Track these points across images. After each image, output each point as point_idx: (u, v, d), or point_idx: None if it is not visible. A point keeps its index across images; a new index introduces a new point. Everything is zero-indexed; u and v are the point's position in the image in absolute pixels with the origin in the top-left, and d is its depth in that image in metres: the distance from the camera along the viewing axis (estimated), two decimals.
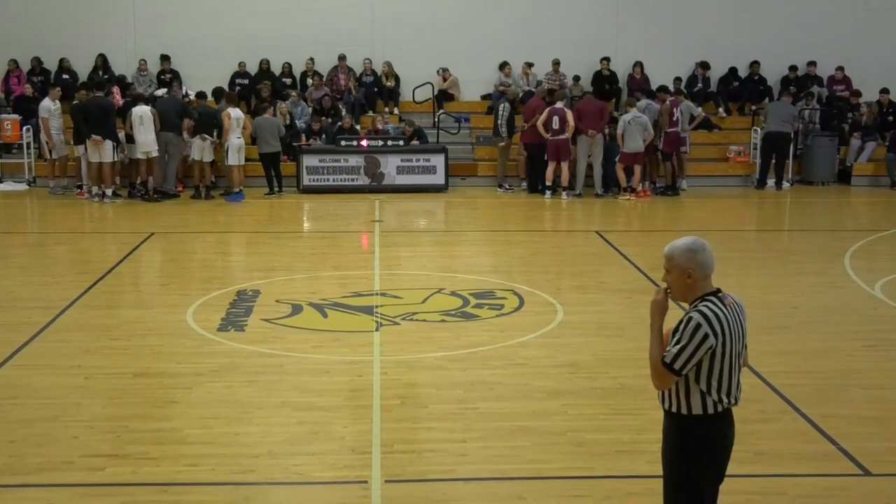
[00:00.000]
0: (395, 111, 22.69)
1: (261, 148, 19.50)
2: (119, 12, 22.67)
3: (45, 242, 16.00)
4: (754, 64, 23.17)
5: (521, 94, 22.10)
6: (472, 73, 23.12)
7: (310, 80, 22.60)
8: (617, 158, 19.48)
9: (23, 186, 20.27)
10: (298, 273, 12.97)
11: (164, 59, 22.40)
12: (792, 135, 21.09)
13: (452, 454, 7.00)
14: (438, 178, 20.41)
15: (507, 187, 20.57)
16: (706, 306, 4.58)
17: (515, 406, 7.94)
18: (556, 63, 22.55)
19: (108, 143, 18.31)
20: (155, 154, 18.70)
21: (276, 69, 22.73)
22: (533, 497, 6.36)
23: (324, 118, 21.29)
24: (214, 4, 22.86)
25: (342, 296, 11.52)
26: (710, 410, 4.63)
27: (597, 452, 7.07)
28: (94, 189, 18.75)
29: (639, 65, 22.86)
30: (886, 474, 6.79)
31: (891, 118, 22.25)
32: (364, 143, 20.32)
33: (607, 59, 22.86)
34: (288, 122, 20.71)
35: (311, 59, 22.71)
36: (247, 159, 19.59)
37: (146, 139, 18.50)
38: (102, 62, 22.30)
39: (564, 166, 19.44)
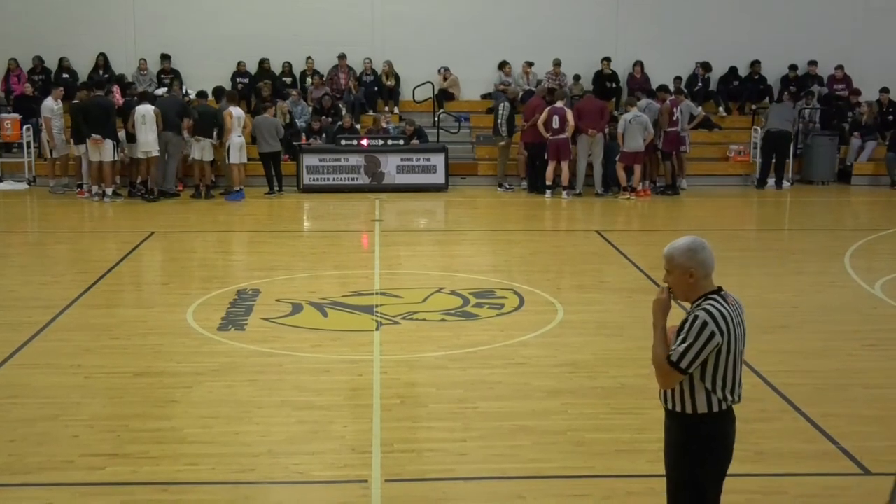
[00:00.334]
0: (396, 110, 22.69)
1: (260, 147, 19.51)
2: (119, 12, 22.66)
3: (46, 242, 16.01)
4: (755, 63, 23.17)
5: (521, 94, 22.10)
6: (473, 73, 23.12)
7: (309, 80, 22.60)
8: (617, 158, 19.48)
9: (23, 186, 20.26)
10: (298, 272, 12.98)
11: (165, 58, 22.39)
12: (792, 134, 21.10)
13: (452, 453, 7.01)
14: (438, 178, 20.42)
15: (508, 186, 20.57)
16: (711, 305, 4.59)
17: (515, 405, 7.95)
18: (557, 63, 22.55)
19: (109, 143, 18.32)
20: (155, 154, 18.70)
21: (276, 68, 22.73)
22: (533, 496, 6.36)
23: (324, 117, 21.29)
24: (214, 4, 22.85)
25: (342, 295, 11.53)
26: (715, 409, 4.63)
27: (597, 452, 7.07)
28: (95, 188, 18.76)
29: (639, 64, 22.86)
30: (886, 473, 6.68)
31: (891, 117, 22.26)
32: (364, 142, 20.33)
33: (608, 59, 22.85)
34: (288, 121, 20.72)
35: (311, 59, 22.71)
36: (250, 158, 19.63)
37: (146, 138, 18.50)
38: (103, 61, 22.29)
39: (564, 165, 19.44)
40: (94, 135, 18.19)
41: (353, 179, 20.22)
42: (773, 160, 21.00)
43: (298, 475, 6.69)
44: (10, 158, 20.82)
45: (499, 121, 20.39)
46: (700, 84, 23.12)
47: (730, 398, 4.67)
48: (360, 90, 22.57)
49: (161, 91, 20.87)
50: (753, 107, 22.98)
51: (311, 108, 21.63)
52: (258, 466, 6.78)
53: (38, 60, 22.40)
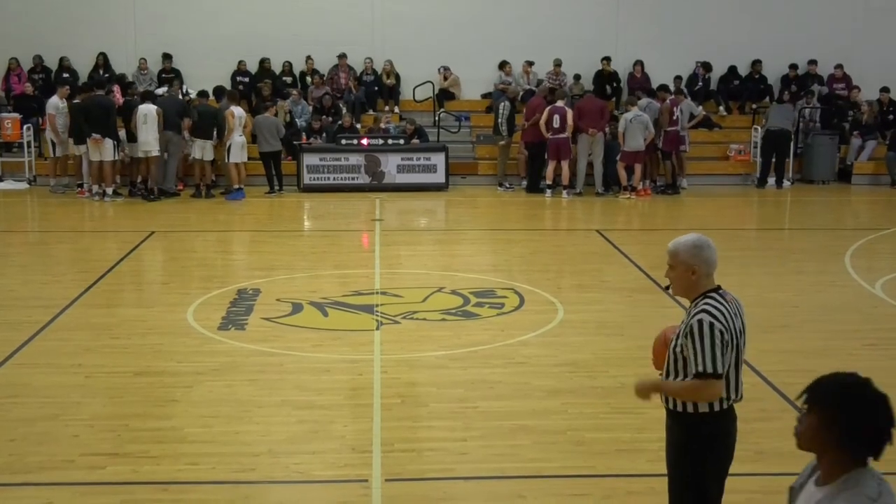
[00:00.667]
0: (396, 110, 22.70)
1: (261, 147, 19.53)
2: (119, 11, 22.67)
3: (46, 241, 16.03)
4: (755, 63, 23.18)
5: (521, 93, 22.11)
6: (473, 72, 23.13)
7: (309, 79, 22.61)
8: (618, 157, 19.49)
9: (23, 185, 20.27)
10: (299, 272, 12.98)
11: (166, 57, 22.41)
12: (792, 134, 21.11)
13: (453, 453, 7.02)
14: (439, 177, 20.42)
15: (508, 186, 20.57)
16: (709, 304, 4.57)
17: (516, 405, 7.95)
18: (558, 63, 22.55)
19: (109, 142, 18.33)
20: (155, 153, 18.71)
21: (277, 68, 22.74)
22: (533, 496, 6.37)
23: (324, 117, 21.30)
24: (215, 3, 22.87)
25: (343, 294, 11.53)
26: (716, 408, 4.63)
27: (597, 451, 7.08)
28: (95, 188, 18.77)
29: (639, 64, 22.87)
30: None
31: (891, 117, 22.27)
32: (364, 141, 20.34)
33: (608, 59, 22.85)
34: (288, 120, 20.72)
35: (311, 58, 22.72)
36: (251, 157, 19.66)
37: (146, 138, 18.52)
38: (103, 61, 22.31)
39: (565, 165, 19.45)
40: (94, 134, 18.21)
41: (353, 179, 20.22)
42: (774, 159, 21.01)
43: (299, 475, 6.69)
44: (10, 158, 20.82)
45: (499, 120, 20.40)
46: (700, 83, 23.13)
47: (733, 396, 4.66)
48: (360, 90, 22.59)
49: (161, 90, 20.87)
50: (754, 106, 22.99)
51: (311, 108, 21.63)
52: (258, 466, 6.79)
53: (39, 60, 22.41)
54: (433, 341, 9.74)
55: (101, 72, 21.96)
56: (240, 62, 22.55)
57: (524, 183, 20.57)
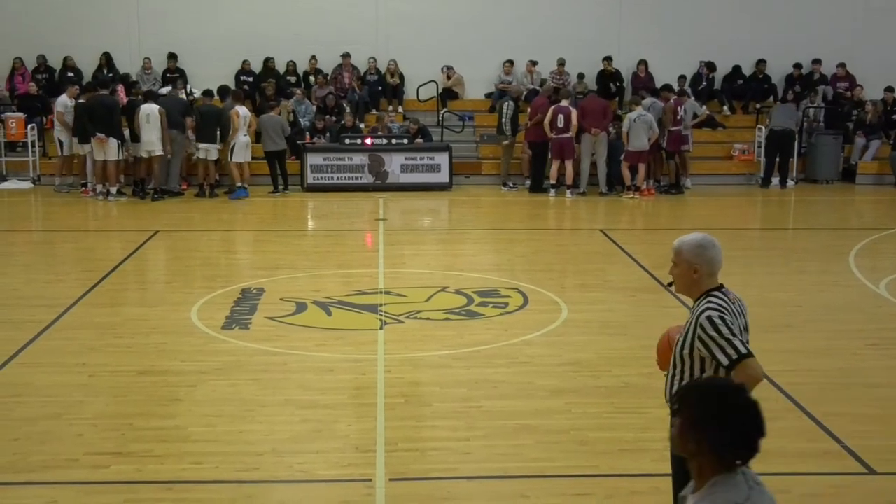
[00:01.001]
0: (400, 109, 22.73)
1: (265, 146, 19.58)
2: (123, 11, 22.74)
3: (50, 240, 16.05)
4: (759, 63, 23.23)
5: (525, 93, 22.13)
6: (477, 72, 23.17)
7: (313, 79, 22.65)
8: (622, 157, 19.51)
9: (27, 184, 20.33)
10: (303, 271, 12.98)
11: (171, 57, 22.48)
12: (796, 133, 21.12)
13: (456, 452, 7.01)
14: (442, 177, 20.44)
15: (511, 185, 20.59)
16: (711, 302, 4.59)
17: (519, 404, 7.95)
18: (561, 62, 22.56)
19: (113, 142, 18.40)
20: (158, 153, 18.76)
21: (281, 67, 22.81)
22: (536, 495, 6.37)
23: (328, 116, 21.33)
24: (218, 3, 22.95)
25: (346, 294, 11.55)
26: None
27: (600, 451, 7.07)
28: (99, 187, 18.83)
29: (643, 63, 22.89)
30: (890, 473, 6.80)
31: (895, 116, 22.26)
32: (368, 141, 20.36)
33: (611, 59, 22.86)
34: (292, 120, 20.76)
35: (315, 58, 22.76)
36: (254, 157, 19.75)
37: (149, 137, 18.58)
38: (106, 60, 22.37)
39: (569, 164, 19.47)
40: (98, 134, 18.26)
41: (357, 178, 20.25)
42: (778, 159, 21.04)
43: (302, 474, 6.70)
44: (14, 157, 20.88)
45: (503, 120, 20.43)
46: (704, 83, 23.18)
47: None
48: (363, 89, 22.62)
49: (165, 90, 20.93)
50: (758, 106, 23.04)
51: (315, 107, 21.67)
52: (262, 465, 6.79)
53: (43, 60, 22.49)
54: (437, 341, 9.73)
55: (105, 71, 22.02)
56: (244, 62, 22.60)
57: (528, 182, 20.59)
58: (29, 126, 20.42)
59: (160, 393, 8.23)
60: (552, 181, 19.78)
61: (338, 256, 14.14)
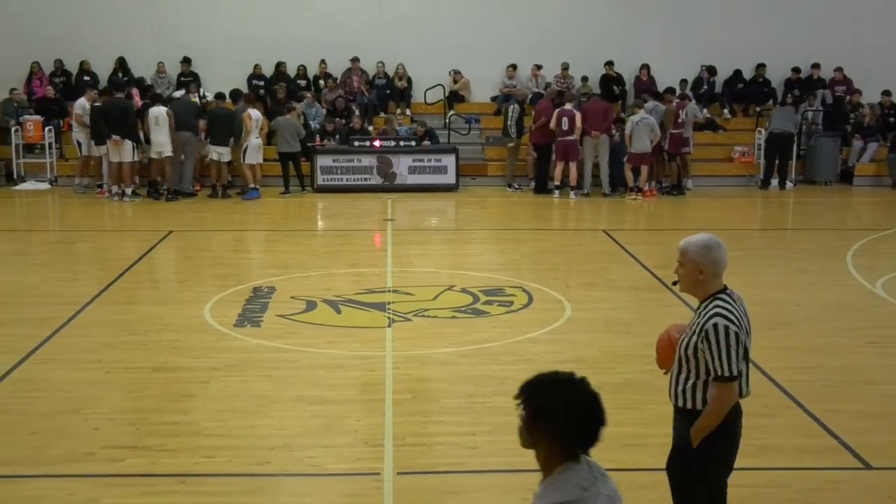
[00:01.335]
0: (407, 112, 22.84)
1: (280, 147, 19.75)
2: (138, 17, 22.90)
3: (67, 240, 16.16)
4: (759, 67, 23.31)
5: (530, 96, 22.25)
6: (482, 75, 23.27)
7: (323, 83, 22.78)
8: (624, 159, 19.62)
9: (45, 185, 20.51)
10: (313, 270, 13.07)
11: (185, 61, 22.66)
12: (795, 136, 21.22)
13: (462, 447, 7.08)
14: (449, 178, 20.56)
15: (517, 187, 20.70)
16: (721, 307, 4.61)
17: None
18: (565, 66, 22.67)
19: (128, 143, 18.59)
20: (167, 154, 18.93)
21: (292, 71, 22.94)
22: None
23: (337, 119, 21.47)
24: (231, 9, 23.06)
25: (355, 292, 11.63)
26: (734, 402, 4.66)
27: (603, 446, 6.85)
28: (114, 188, 19.01)
29: (645, 67, 22.97)
30: (887, 468, 6.87)
31: (892, 119, 22.37)
32: (377, 143, 20.50)
33: (613, 63, 22.92)
34: (302, 122, 20.89)
35: (325, 62, 22.90)
36: (266, 159, 19.94)
37: (158, 139, 18.76)
38: (121, 65, 22.55)
39: (573, 166, 19.58)
40: (113, 136, 18.46)
41: (365, 180, 20.38)
42: (777, 161, 21.11)
43: (312, 468, 6.76)
44: (32, 159, 21.04)
45: (508, 122, 20.57)
46: (706, 87, 23.26)
47: (742, 391, 4.72)
48: (372, 92, 22.75)
49: (179, 93, 21.10)
50: (758, 109, 23.10)
51: (324, 111, 21.80)
52: (273, 459, 6.87)
53: (60, 64, 22.68)
54: (444, 338, 9.80)
55: (120, 75, 22.15)
56: (255, 66, 22.73)
57: (532, 184, 20.70)
58: (46, 129, 20.61)
59: (174, 389, 8.31)
60: (556, 183, 19.90)
61: (347, 256, 14.21)
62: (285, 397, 8.09)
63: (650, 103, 20.34)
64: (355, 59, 22.76)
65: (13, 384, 8.44)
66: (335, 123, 21.25)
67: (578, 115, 19.41)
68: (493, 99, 23.28)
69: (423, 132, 20.79)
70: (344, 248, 14.90)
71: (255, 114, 19.30)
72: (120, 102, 18.90)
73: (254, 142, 19.19)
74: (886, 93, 22.51)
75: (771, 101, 23.08)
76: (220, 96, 20.11)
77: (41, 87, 22.15)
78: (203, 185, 20.11)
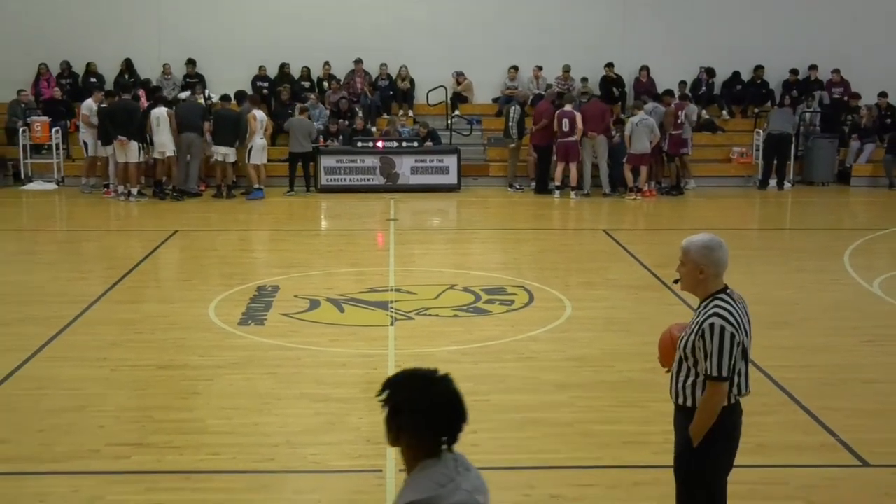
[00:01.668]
0: (410, 113, 22.90)
1: (292, 147, 19.88)
2: (144, 19, 22.99)
3: (73, 239, 16.19)
4: (758, 68, 23.37)
5: (531, 97, 22.32)
6: (484, 77, 23.35)
7: (326, 84, 22.85)
8: (624, 159, 19.69)
9: (52, 186, 20.60)
10: (316, 269, 13.13)
11: (190, 62, 22.73)
12: (793, 137, 21.28)
13: (464, 444, 6.80)
14: (451, 178, 20.63)
15: (518, 187, 20.77)
16: (719, 307, 4.63)
17: (525, 398, 8.06)
18: (566, 68, 22.73)
19: (134, 144, 18.69)
20: (170, 154, 19.02)
21: (295, 73, 23.01)
22: (542, 486, 6.47)
23: (341, 120, 21.55)
24: (236, 11, 23.13)
25: (358, 291, 11.68)
26: (725, 402, 4.69)
27: (604, 443, 7.18)
28: (121, 188, 19.09)
29: (645, 69, 23.04)
30: (884, 465, 6.91)
31: (889, 121, 22.42)
32: (380, 144, 20.58)
33: (613, 64, 22.99)
34: None
35: (329, 63, 22.98)
36: (270, 159, 20.06)
37: (160, 139, 18.86)
38: (127, 66, 22.61)
39: (573, 167, 19.65)
40: (119, 136, 18.55)
41: (368, 180, 20.45)
42: (775, 162, 21.17)
43: (315, 465, 6.81)
44: (39, 159, 21.13)
45: (510, 123, 20.64)
46: (704, 88, 23.33)
47: (744, 390, 4.76)
48: (375, 94, 22.82)
49: (184, 95, 21.18)
50: (756, 110, 23.16)
51: (328, 112, 21.88)
52: (277, 456, 6.92)
53: (67, 66, 22.73)
54: (445, 337, 9.85)
55: (126, 77, 22.21)
56: (260, 67, 22.79)
57: (533, 184, 20.76)
58: (53, 129, 20.68)
59: (179, 386, 8.36)
60: (557, 183, 19.97)
61: (350, 255, 14.26)
62: (289, 395, 8.13)
63: (650, 104, 20.43)
64: (358, 61, 22.83)
65: (20, 382, 8.49)
66: (338, 124, 21.33)
67: (579, 116, 19.48)
68: (495, 100, 23.35)
69: (426, 133, 20.87)
70: (347, 248, 14.95)
71: (259, 115, 19.41)
72: (126, 104, 19.01)
73: (258, 142, 19.29)
74: (883, 94, 22.57)
75: (769, 103, 23.14)
76: (225, 98, 20.20)
77: (48, 89, 22.25)
78: (208, 186, 20.20)
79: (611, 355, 9.27)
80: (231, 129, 19.41)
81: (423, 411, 3.16)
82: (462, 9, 23.48)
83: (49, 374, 8.64)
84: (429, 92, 22.94)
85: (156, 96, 19.86)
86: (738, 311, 4.66)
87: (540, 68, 22.93)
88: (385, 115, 22.62)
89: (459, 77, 23.26)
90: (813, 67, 23.32)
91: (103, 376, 8.61)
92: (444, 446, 3.18)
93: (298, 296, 11.38)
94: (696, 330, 4.65)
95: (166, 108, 19.05)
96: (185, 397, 8.11)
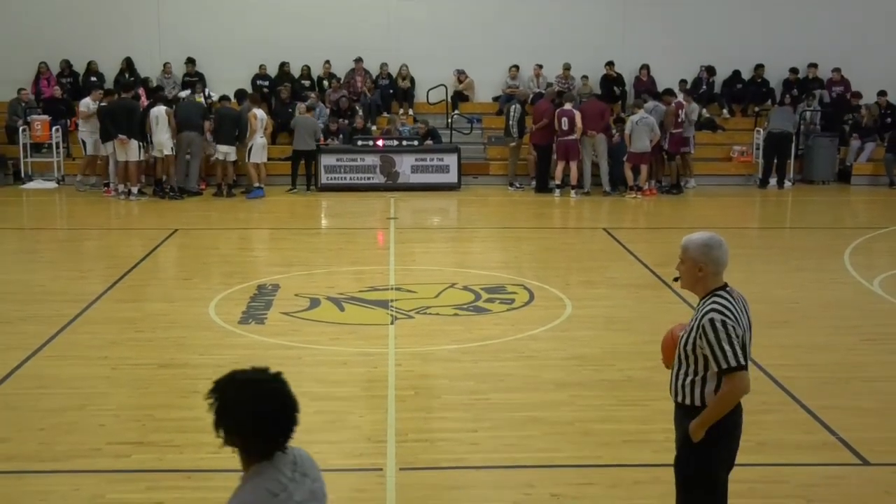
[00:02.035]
0: (410, 112, 22.91)
1: (296, 145, 19.96)
2: (144, 18, 23.02)
3: (74, 238, 16.19)
4: (758, 67, 23.39)
5: (531, 96, 22.33)
6: (485, 76, 23.38)
7: (327, 83, 22.86)
8: (624, 158, 19.70)
9: (52, 184, 20.62)
10: (316, 268, 13.15)
11: (190, 61, 22.75)
12: (793, 135, 21.29)
13: (464, 443, 7.13)
14: (451, 177, 20.64)
15: (518, 186, 20.79)
16: (716, 302, 4.63)
17: (525, 397, 8.07)
18: (567, 67, 22.74)
19: (134, 143, 18.71)
20: (168, 152, 19.03)
21: (296, 72, 23.02)
22: (542, 484, 6.48)
23: (341, 119, 21.57)
24: (236, 10, 23.15)
25: (359, 290, 11.69)
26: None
27: (604, 442, 7.18)
28: (121, 187, 19.11)
29: (645, 68, 23.05)
30: (884, 464, 6.92)
31: (889, 120, 22.43)
32: (380, 142, 20.59)
33: (611, 64, 23.01)
34: None
35: (329, 62, 22.99)
36: (271, 158, 20.10)
37: (159, 138, 18.88)
38: (128, 65, 22.64)
39: (573, 166, 19.66)
40: (119, 135, 18.57)
41: (368, 179, 20.47)
42: (775, 161, 21.18)
43: (316, 463, 6.85)
44: (40, 158, 21.16)
45: (510, 122, 20.65)
46: (704, 87, 23.35)
47: None
48: (375, 92, 22.83)
49: (184, 94, 21.21)
50: (756, 109, 23.18)
51: (328, 110, 21.90)
52: None
53: (67, 64, 22.78)
54: (446, 335, 9.86)
55: (127, 76, 22.24)
56: (260, 66, 22.83)
57: (534, 183, 20.78)
58: (54, 128, 20.72)
59: (179, 385, 8.36)
60: (557, 182, 19.98)
61: (350, 254, 14.28)
62: None
63: (650, 103, 20.43)
64: (359, 60, 22.85)
65: (21, 380, 8.51)
66: (339, 123, 21.35)
67: (578, 115, 19.49)
68: (495, 99, 23.37)
69: (426, 132, 20.87)
70: (347, 247, 14.97)
71: (259, 114, 19.44)
72: (126, 102, 19.03)
73: (258, 141, 19.31)
74: (882, 93, 22.58)
75: (769, 101, 23.17)
76: (224, 97, 20.25)
77: (49, 88, 22.29)
78: (208, 184, 20.22)
79: (611, 354, 9.28)
80: (232, 127, 19.44)
81: (249, 413, 3.09)
82: (462, 7, 23.51)
83: (50, 373, 8.65)
84: (429, 90, 22.95)
85: (156, 95, 19.86)
86: (736, 308, 4.65)
87: (540, 67, 22.95)
88: (385, 114, 22.64)
89: (461, 75, 23.28)
90: (813, 66, 23.35)
91: (104, 375, 8.62)
92: (275, 449, 3.13)
93: (299, 294, 11.40)
94: (695, 327, 4.66)
95: (165, 107, 19.05)
96: (185, 396, 8.09)
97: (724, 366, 4.57)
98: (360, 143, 20.56)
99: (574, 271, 13.47)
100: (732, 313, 4.61)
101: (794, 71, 23.34)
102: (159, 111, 18.91)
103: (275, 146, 20.59)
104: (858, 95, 22.95)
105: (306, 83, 22.91)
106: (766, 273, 12.92)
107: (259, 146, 19.35)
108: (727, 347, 4.55)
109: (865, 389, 8.48)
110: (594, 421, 7.60)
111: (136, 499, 6.36)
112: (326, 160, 20.39)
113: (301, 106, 20.51)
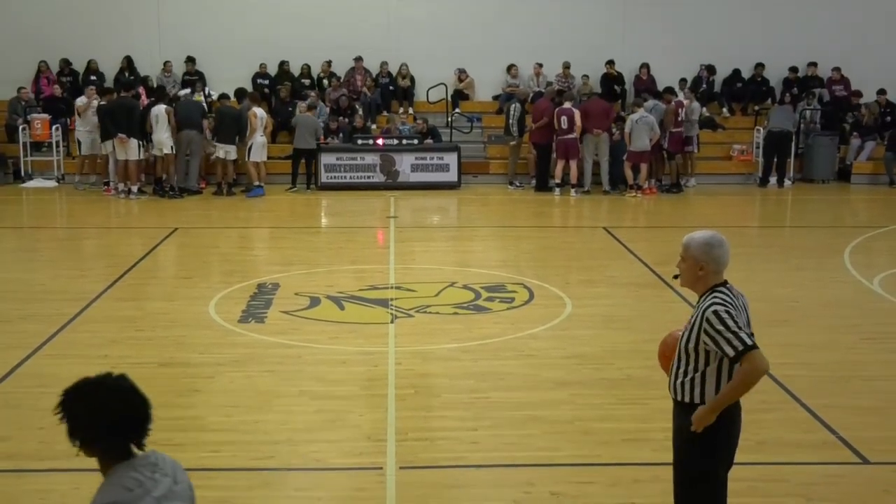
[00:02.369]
0: (410, 111, 22.92)
1: (297, 143, 19.99)
2: (144, 16, 23.05)
3: (74, 237, 16.20)
4: (758, 66, 23.41)
5: (531, 95, 22.35)
6: (485, 75, 23.40)
7: (327, 82, 22.87)
8: (624, 157, 19.71)
9: (52, 183, 20.63)
10: (317, 267, 13.16)
11: (190, 60, 22.77)
12: (793, 134, 21.30)
13: (464, 442, 7.13)
14: (451, 176, 20.65)
15: (518, 184, 20.79)
16: (716, 297, 4.64)
17: (525, 395, 8.07)
18: (567, 66, 22.75)
19: (133, 142, 18.72)
20: (167, 151, 19.04)
21: (296, 70, 23.05)
22: (542, 483, 6.48)
23: (341, 118, 21.57)
24: (236, 9, 23.17)
25: (359, 289, 11.70)
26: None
27: (604, 440, 7.18)
28: (121, 186, 19.12)
29: (645, 66, 23.07)
30: (884, 462, 6.92)
31: (889, 118, 22.45)
32: (380, 141, 20.60)
33: (611, 62, 23.03)
34: None
35: (329, 62, 23.00)
36: (270, 157, 20.13)
37: (159, 137, 18.90)
38: (128, 64, 22.66)
39: (573, 164, 19.67)
40: (119, 134, 18.58)
41: (368, 177, 20.48)
42: (775, 159, 21.20)
43: (316, 462, 6.82)
44: (39, 157, 21.19)
45: (510, 121, 20.67)
46: (704, 86, 23.37)
47: None
48: (375, 91, 22.84)
49: (184, 92, 21.22)
50: (756, 108, 23.22)
51: (328, 109, 21.90)
52: (277, 453, 6.93)
53: (67, 63, 22.80)
54: (446, 334, 9.86)
55: (127, 74, 22.26)
56: (260, 65, 22.87)
57: (534, 182, 20.79)
58: (53, 127, 20.75)
59: (179, 384, 8.36)
60: (557, 180, 19.99)
61: (350, 253, 14.28)
62: (289, 392, 8.15)
63: (650, 102, 20.44)
64: (359, 59, 22.86)
65: (21, 379, 8.52)
66: (339, 122, 21.36)
67: (578, 114, 19.50)
68: (495, 98, 23.39)
69: (426, 130, 20.88)
70: (347, 245, 14.97)
71: (259, 112, 19.46)
72: (125, 101, 19.04)
73: (258, 140, 19.33)
74: (882, 92, 22.59)
75: (769, 100, 23.20)
76: (224, 96, 20.26)
77: (48, 86, 22.32)
78: (208, 183, 20.22)
79: (611, 353, 9.28)
80: (232, 126, 19.45)
81: (99, 419, 3.09)
82: (462, 7, 23.53)
83: (50, 372, 8.62)
84: (429, 89, 22.96)
85: (158, 94, 19.87)
86: (735, 303, 4.66)
87: (540, 66, 22.96)
88: (385, 113, 22.66)
89: (462, 74, 23.29)
90: (813, 65, 23.36)
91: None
92: (131, 449, 3.12)
93: (299, 293, 11.40)
94: (697, 322, 4.65)
95: (165, 106, 19.06)
96: (185, 395, 8.11)
97: (740, 348, 4.52)
98: (360, 141, 20.57)
99: (574, 270, 13.46)
100: (734, 306, 4.62)
101: (793, 70, 23.37)
102: (159, 110, 18.93)
103: (275, 145, 20.63)
104: (858, 94, 22.97)
105: (306, 82, 22.93)
106: (765, 272, 12.91)
107: (259, 145, 19.37)
108: (735, 332, 4.53)
109: (865, 388, 8.48)
110: (594, 419, 7.59)
111: None
112: (326, 159, 20.39)
113: (302, 105, 20.53)
